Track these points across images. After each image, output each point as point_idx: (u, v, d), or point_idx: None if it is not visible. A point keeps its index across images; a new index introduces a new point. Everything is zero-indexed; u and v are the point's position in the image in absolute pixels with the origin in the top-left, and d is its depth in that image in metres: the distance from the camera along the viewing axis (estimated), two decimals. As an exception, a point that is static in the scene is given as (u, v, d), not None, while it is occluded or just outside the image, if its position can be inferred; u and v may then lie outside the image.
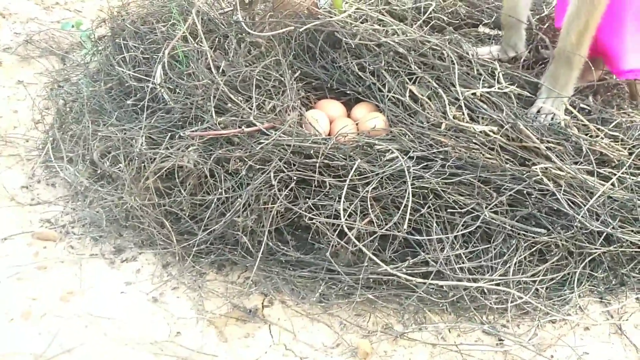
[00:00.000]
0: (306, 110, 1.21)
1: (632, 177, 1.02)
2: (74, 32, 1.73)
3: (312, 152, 1.02)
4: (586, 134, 1.08)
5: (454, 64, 1.12)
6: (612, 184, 1.00)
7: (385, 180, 1.02)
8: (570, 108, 1.11)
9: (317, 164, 1.00)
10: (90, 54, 1.61)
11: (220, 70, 1.15)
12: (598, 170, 1.03)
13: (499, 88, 1.10)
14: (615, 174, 1.02)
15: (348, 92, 1.22)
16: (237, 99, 1.11)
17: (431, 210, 0.99)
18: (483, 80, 1.13)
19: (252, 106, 1.09)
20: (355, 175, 1.01)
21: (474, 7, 1.42)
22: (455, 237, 0.97)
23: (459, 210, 0.99)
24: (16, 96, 1.47)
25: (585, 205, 0.97)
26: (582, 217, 0.95)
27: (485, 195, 1.00)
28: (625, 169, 1.01)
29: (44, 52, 1.64)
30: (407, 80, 1.14)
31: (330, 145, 1.03)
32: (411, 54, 1.15)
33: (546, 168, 0.99)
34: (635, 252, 1.01)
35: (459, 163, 1.03)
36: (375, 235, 0.95)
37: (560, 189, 0.98)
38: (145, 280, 0.99)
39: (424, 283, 0.91)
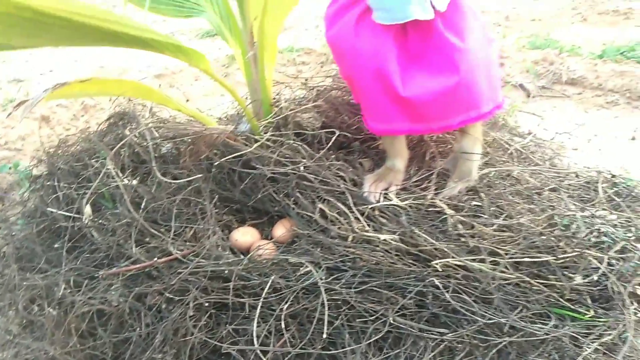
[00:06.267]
0: (229, 232, 1.30)
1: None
2: (13, 172, 1.81)
3: (227, 274, 1.09)
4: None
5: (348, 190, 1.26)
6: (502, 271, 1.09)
7: (300, 295, 1.09)
8: (451, 213, 1.22)
9: (232, 286, 1.06)
10: (28, 193, 1.68)
11: (143, 206, 1.23)
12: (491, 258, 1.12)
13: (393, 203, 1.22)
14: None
15: (270, 211, 1.33)
16: (159, 231, 1.19)
17: (343, 321, 1.05)
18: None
19: (171, 236, 1.16)
20: (270, 292, 1.07)
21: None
22: (369, 345, 1.03)
23: (369, 317, 1.05)
24: (-50, 242, 1.50)
25: (479, 297, 1.06)
26: (466, 310, 1.03)
27: (392, 300, 1.07)
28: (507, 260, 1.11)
29: (-18, 194, 1.70)
30: (317, 200, 1.25)
31: (244, 265, 1.10)
32: (314, 181, 1.27)
33: (437, 264, 1.08)
34: (540, 338, 1.08)
35: (366, 271, 1.11)
36: (290, 355, 1.00)
37: (450, 285, 1.06)
38: None
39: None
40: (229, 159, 1.33)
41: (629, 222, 1.42)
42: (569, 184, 1.56)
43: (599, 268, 1.19)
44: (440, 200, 1.25)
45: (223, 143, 1.42)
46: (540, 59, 2.50)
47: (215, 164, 1.32)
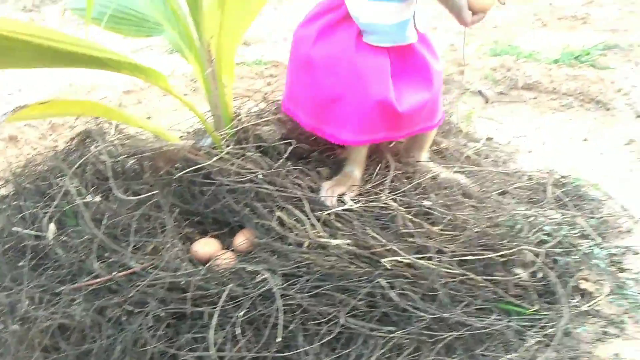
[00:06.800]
0: (190, 244, 1.34)
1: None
2: (-21, 194, 1.82)
3: (184, 284, 1.13)
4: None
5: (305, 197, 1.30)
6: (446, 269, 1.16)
7: (257, 302, 1.13)
8: (400, 210, 1.28)
9: (190, 296, 1.10)
10: (-5, 213, 1.70)
11: (104, 222, 1.27)
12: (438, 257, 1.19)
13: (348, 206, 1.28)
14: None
15: (230, 221, 1.37)
16: (120, 246, 1.23)
17: (298, 324, 1.10)
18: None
19: (130, 250, 1.20)
20: (228, 300, 1.11)
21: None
22: (322, 345, 1.08)
23: (322, 320, 1.10)
24: None
25: (426, 295, 1.11)
26: (413, 307, 1.09)
27: (345, 302, 1.13)
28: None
29: (-52, 217, 1.71)
30: (275, 208, 1.30)
31: (202, 276, 1.14)
32: (272, 190, 1.31)
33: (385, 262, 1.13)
34: (486, 332, 1.14)
35: (320, 276, 1.16)
36: (245, 359, 1.04)
37: (397, 284, 1.11)
38: None
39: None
40: (188, 172, 1.37)
41: (574, 220, 1.50)
42: (520, 186, 1.64)
43: (541, 263, 1.26)
44: (391, 199, 1.31)
45: (184, 158, 1.47)
46: (498, 66, 2.59)
47: (174, 177, 1.36)
